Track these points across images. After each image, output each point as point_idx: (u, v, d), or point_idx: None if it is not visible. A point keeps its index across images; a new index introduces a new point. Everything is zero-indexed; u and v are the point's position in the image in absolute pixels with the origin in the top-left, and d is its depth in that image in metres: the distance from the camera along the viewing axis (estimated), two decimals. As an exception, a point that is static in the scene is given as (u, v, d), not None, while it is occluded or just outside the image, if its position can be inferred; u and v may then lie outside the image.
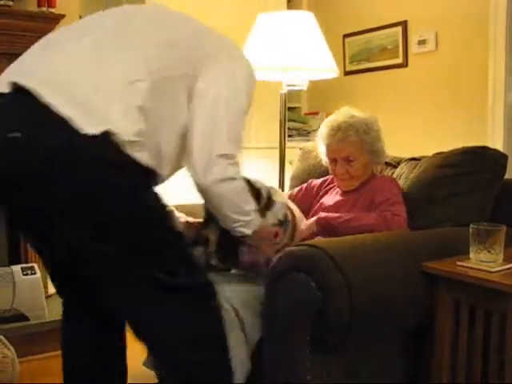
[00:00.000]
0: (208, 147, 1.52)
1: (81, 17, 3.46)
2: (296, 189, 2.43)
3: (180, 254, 1.49)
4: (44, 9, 2.96)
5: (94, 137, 1.31)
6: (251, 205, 1.64)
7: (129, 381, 1.89)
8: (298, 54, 2.61)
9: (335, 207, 2.17)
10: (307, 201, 2.32)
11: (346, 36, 4.30)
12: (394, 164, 2.37)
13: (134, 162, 1.38)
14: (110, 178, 1.35)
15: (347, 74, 4.29)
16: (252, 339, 1.71)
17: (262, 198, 1.85)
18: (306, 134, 4.50)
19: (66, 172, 1.32)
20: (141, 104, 1.41)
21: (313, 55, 2.66)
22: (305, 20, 2.71)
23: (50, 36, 1.56)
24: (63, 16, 2.98)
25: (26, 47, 1.57)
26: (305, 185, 2.41)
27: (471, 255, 1.67)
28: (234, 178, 1.55)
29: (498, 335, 1.59)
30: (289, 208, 1.97)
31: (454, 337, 1.70)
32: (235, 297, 1.75)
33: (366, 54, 4.17)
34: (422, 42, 3.74)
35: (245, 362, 1.69)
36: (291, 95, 3.39)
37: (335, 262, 1.57)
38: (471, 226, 1.66)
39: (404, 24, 3.85)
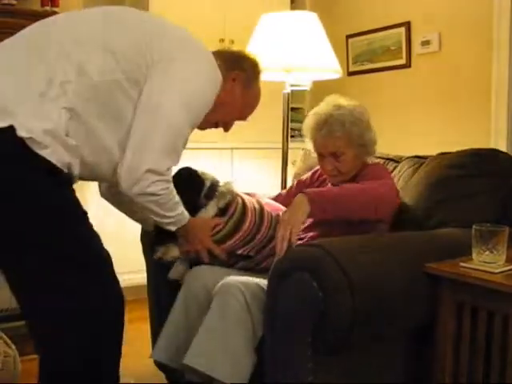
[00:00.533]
0: (137, 160, 1.56)
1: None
2: (284, 191, 2.42)
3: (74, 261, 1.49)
4: (47, 8, 2.99)
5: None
6: (175, 211, 1.73)
7: (134, 380, 1.90)
8: (302, 55, 2.61)
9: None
10: None
11: (349, 37, 4.30)
12: (397, 160, 2.35)
13: (37, 160, 1.42)
14: (6, 171, 1.40)
15: (350, 74, 4.28)
16: (258, 333, 1.73)
17: (203, 189, 1.94)
18: (308, 134, 4.49)
19: None
20: (66, 105, 1.46)
21: (316, 56, 2.66)
22: (308, 20, 2.71)
23: None
24: (67, 15, 2.99)
25: None
26: (294, 182, 2.38)
27: (474, 256, 1.67)
28: (157, 195, 1.61)
29: (500, 336, 1.58)
30: (240, 197, 2.01)
31: (457, 338, 1.69)
32: (245, 289, 1.76)
33: (369, 54, 4.16)
34: (425, 43, 3.74)
35: (252, 355, 1.71)
36: (294, 96, 3.38)
37: (337, 262, 1.56)
38: (474, 227, 1.66)
39: (407, 25, 3.84)
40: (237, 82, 1.86)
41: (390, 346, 1.78)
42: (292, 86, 2.85)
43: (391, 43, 3.98)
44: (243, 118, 1.97)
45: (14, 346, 2.28)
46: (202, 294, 1.91)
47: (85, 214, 1.56)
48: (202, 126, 1.85)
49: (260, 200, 2.08)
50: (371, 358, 1.73)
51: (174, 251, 1.96)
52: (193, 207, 1.91)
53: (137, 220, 2.03)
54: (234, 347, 1.71)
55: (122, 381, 1.66)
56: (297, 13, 2.99)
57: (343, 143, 2.02)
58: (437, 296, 1.71)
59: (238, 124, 1.94)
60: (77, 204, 1.54)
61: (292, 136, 3.74)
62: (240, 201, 1.99)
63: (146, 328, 2.26)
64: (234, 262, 1.99)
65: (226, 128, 1.97)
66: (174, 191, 1.72)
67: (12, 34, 2.69)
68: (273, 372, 1.64)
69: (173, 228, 1.79)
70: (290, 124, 2.98)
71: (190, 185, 1.94)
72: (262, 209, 2.02)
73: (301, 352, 1.59)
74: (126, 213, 1.99)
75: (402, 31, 3.88)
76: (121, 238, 3.05)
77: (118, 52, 1.54)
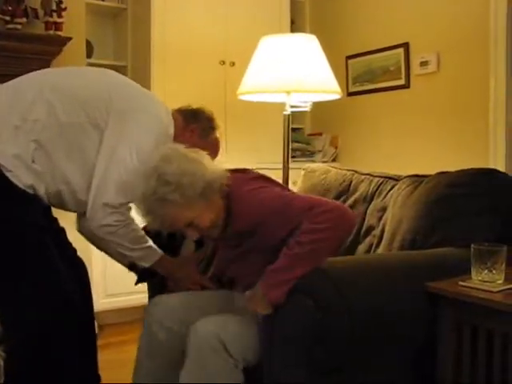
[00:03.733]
0: (95, 196, 1.86)
1: (87, 40, 3.53)
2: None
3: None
4: (51, 32, 3.02)
5: None
6: (140, 243, 1.94)
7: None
8: (302, 77, 2.64)
9: (232, 246, 1.89)
10: None
11: (348, 57, 4.35)
12: (396, 178, 2.36)
13: (5, 181, 1.75)
14: None
15: (350, 94, 4.33)
16: (242, 361, 1.69)
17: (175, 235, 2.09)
18: (309, 154, 4.53)
19: None
20: (35, 138, 1.80)
21: (316, 77, 2.69)
22: (308, 43, 2.75)
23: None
24: (70, 39, 3.04)
25: (34, 69, 1.95)
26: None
27: (473, 275, 1.68)
28: (112, 225, 1.86)
29: (500, 355, 1.59)
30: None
31: (457, 356, 1.70)
32: (223, 333, 1.68)
33: (369, 75, 4.21)
34: (423, 64, 3.79)
35: (237, 377, 1.69)
36: (295, 116, 3.43)
37: (335, 284, 1.57)
38: (473, 246, 1.67)
39: (406, 46, 3.90)
40: (194, 133, 2.09)
41: (389, 366, 1.78)
42: (292, 107, 2.88)
43: (390, 64, 4.03)
44: None
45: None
46: (166, 340, 1.87)
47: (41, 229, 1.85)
48: None
49: None
50: (370, 378, 1.72)
51: None
52: (171, 251, 2.06)
53: (112, 256, 2.05)
54: None
55: None
56: (297, 35, 3.02)
57: (176, 213, 1.70)
58: (437, 315, 1.72)
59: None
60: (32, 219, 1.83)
61: (293, 156, 3.77)
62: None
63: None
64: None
65: None
66: (136, 226, 1.94)
67: (19, 58, 2.77)
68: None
69: (145, 264, 1.97)
70: (290, 144, 3.01)
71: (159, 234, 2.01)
72: None
73: (297, 372, 1.59)
74: (101, 249, 2.03)
75: (400, 52, 3.94)
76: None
77: (85, 100, 1.87)
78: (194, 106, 2.15)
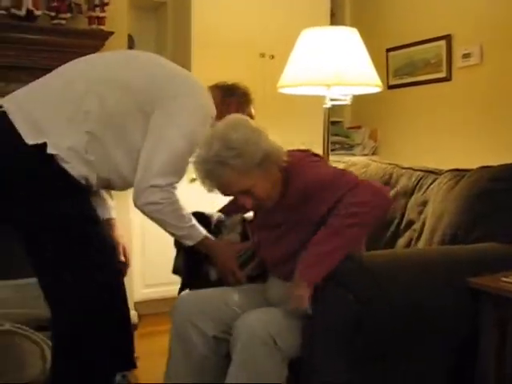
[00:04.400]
0: (142, 177, 1.91)
1: (129, 34, 3.58)
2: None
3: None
4: (94, 26, 3.06)
5: (33, 146, 1.80)
6: (184, 222, 1.98)
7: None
8: (342, 70, 2.63)
9: (271, 227, 1.89)
10: None
11: (389, 50, 4.31)
12: (437, 172, 2.34)
13: (61, 172, 1.82)
14: (35, 178, 1.82)
15: (390, 87, 4.28)
16: (288, 355, 1.70)
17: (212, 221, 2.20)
18: (348, 147, 4.51)
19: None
20: (88, 130, 1.86)
21: (356, 70, 2.68)
22: (348, 35, 2.74)
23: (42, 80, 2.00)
24: (112, 33, 3.08)
25: None
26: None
27: (516, 271, 1.66)
28: (158, 203, 1.91)
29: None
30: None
31: (500, 353, 1.68)
32: (270, 325, 1.69)
33: (410, 68, 4.16)
34: (466, 56, 3.72)
35: (283, 371, 1.70)
36: (334, 109, 3.41)
37: (374, 276, 1.58)
38: (516, 241, 1.66)
39: (448, 38, 3.83)
40: (231, 107, 2.13)
41: (430, 361, 1.78)
42: (332, 100, 2.87)
43: (431, 56, 3.97)
44: None
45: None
46: (201, 343, 1.85)
47: (93, 216, 1.95)
48: None
49: None
50: (410, 373, 1.73)
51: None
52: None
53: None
54: None
55: None
56: (337, 28, 3.01)
57: (238, 180, 1.73)
58: (479, 311, 1.71)
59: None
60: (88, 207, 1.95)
61: (332, 150, 3.76)
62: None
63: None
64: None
65: None
66: (181, 205, 1.97)
67: (63, 52, 2.82)
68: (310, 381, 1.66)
69: (189, 242, 2.02)
70: (330, 138, 3.00)
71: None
72: None
73: (337, 365, 1.60)
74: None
75: (442, 44, 3.88)
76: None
77: (132, 88, 1.93)
78: (229, 82, 2.22)
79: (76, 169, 1.84)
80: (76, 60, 2.03)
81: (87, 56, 2.09)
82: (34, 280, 1.92)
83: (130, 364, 2.16)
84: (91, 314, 1.86)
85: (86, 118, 1.87)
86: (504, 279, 1.65)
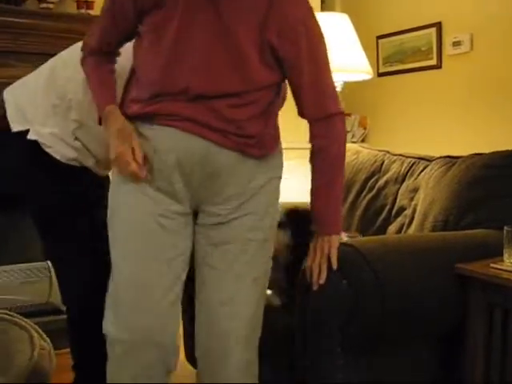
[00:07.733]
0: None
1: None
2: None
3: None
4: (83, 11, 3.03)
5: (19, 133, 1.85)
6: None
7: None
8: (333, 56, 2.61)
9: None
10: None
11: (379, 37, 4.30)
12: (428, 159, 2.34)
13: (46, 157, 1.83)
14: (22, 163, 1.88)
15: (380, 75, 4.28)
16: None
17: None
18: (338, 135, 4.50)
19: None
20: (75, 118, 1.86)
21: (347, 57, 2.67)
22: (339, 22, 2.73)
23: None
24: (101, 17, 3.05)
25: (66, 47, 1.97)
26: None
27: (505, 257, 1.66)
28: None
29: (532, 337, 1.58)
30: None
31: (488, 340, 1.69)
32: None
33: (400, 55, 4.16)
34: (456, 44, 3.73)
35: None
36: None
37: (367, 261, 1.58)
38: (505, 228, 1.65)
39: (438, 25, 3.83)
40: None
41: (418, 347, 1.79)
42: (323, 86, 2.86)
43: (422, 44, 3.97)
44: None
45: (48, 340, 2.34)
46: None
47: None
48: None
49: None
50: (400, 358, 1.74)
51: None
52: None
53: None
54: None
55: None
56: (328, 14, 2.99)
57: None
58: (467, 297, 1.71)
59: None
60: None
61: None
62: None
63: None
64: None
65: None
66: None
67: (51, 36, 2.77)
68: (304, 370, 1.67)
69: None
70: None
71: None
72: None
73: (331, 349, 1.61)
74: None
75: (432, 32, 3.88)
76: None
77: (118, 74, 1.81)
78: None
79: (60, 152, 1.85)
80: (74, 45, 1.98)
81: (78, 42, 2.03)
82: (20, 266, 1.91)
83: None
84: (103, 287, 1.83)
85: (71, 106, 1.87)
86: (493, 265, 1.66)
